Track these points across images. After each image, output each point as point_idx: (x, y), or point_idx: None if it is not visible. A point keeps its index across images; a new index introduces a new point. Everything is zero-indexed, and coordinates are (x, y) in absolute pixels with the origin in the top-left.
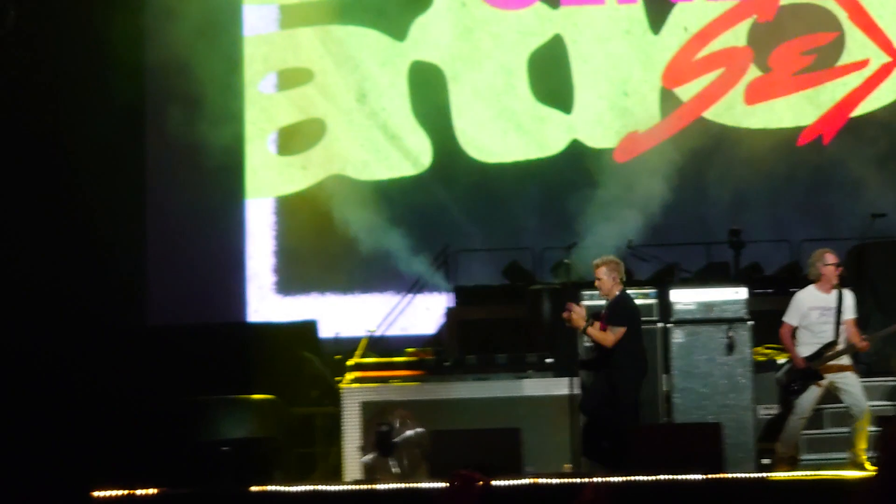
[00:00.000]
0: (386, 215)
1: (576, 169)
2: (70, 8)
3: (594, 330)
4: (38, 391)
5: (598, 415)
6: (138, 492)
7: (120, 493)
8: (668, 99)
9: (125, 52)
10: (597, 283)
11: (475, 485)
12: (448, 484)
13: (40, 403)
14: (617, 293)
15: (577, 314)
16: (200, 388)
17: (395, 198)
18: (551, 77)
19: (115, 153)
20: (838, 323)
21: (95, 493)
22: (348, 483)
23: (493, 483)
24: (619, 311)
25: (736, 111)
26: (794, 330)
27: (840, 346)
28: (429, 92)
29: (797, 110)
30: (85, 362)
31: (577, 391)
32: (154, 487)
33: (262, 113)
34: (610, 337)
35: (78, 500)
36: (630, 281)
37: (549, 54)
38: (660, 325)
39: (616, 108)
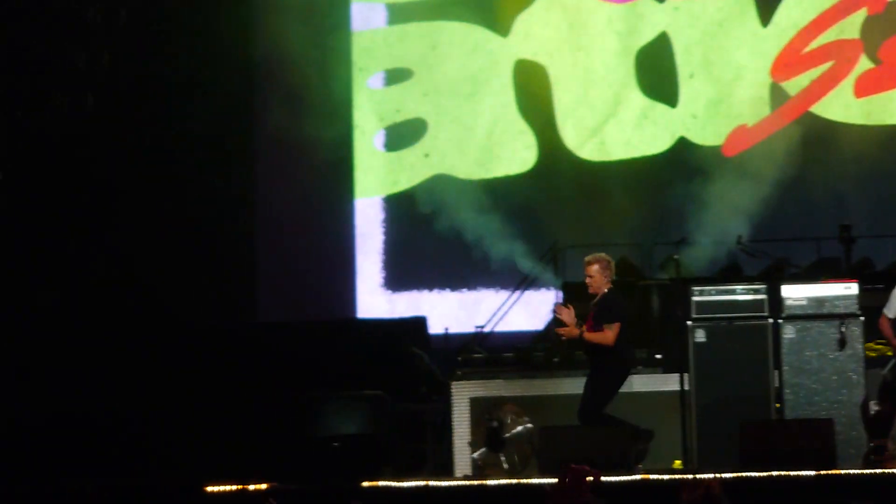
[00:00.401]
0: (494, 212)
1: (684, 164)
2: (179, 4)
3: (592, 334)
4: (151, 387)
5: None
6: (250, 487)
7: (232, 488)
8: (776, 93)
9: (233, 49)
10: (588, 279)
11: (586, 479)
12: (559, 478)
13: (153, 399)
14: (606, 291)
15: (569, 318)
16: (310, 385)
17: (503, 195)
18: (657, 71)
19: (225, 150)
20: None
21: (209, 489)
22: (458, 479)
23: (603, 479)
24: (612, 306)
25: (844, 105)
26: (891, 322)
27: None
28: (533, 89)
29: None
30: (197, 359)
31: (687, 387)
32: (265, 483)
33: (370, 110)
34: (610, 335)
35: (191, 495)
36: (740, 277)
37: (655, 48)
38: (770, 320)
39: (724, 102)
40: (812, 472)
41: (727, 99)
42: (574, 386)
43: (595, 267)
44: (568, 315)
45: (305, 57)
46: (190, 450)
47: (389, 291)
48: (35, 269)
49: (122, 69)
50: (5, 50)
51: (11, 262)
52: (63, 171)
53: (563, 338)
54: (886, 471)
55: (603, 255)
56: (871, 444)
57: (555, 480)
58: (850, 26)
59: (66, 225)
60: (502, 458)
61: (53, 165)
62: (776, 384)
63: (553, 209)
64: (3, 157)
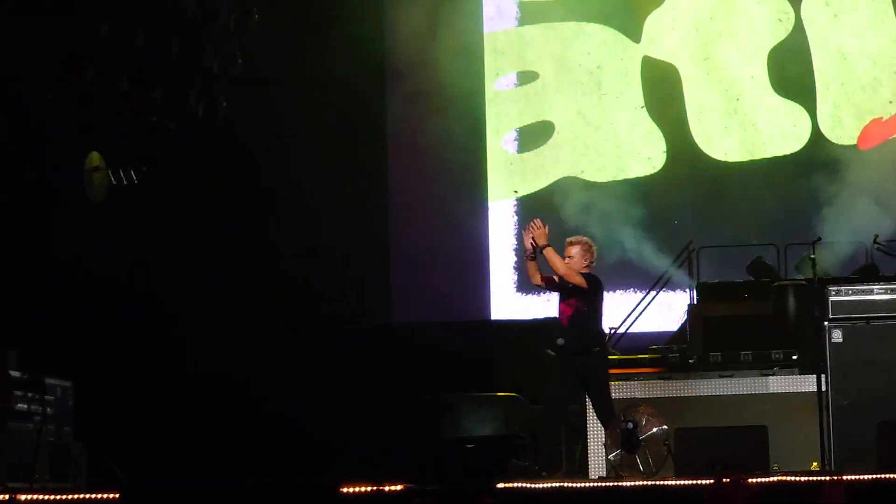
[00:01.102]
0: (626, 214)
1: (818, 162)
2: (311, 5)
3: (556, 255)
4: (287, 388)
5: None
6: (386, 488)
7: (368, 488)
8: None
9: (364, 51)
10: (567, 261)
11: (746, 485)
12: (716, 482)
13: (289, 400)
14: (584, 274)
15: (540, 228)
16: (445, 386)
17: (635, 196)
18: (790, 69)
19: (357, 152)
20: None
21: (344, 489)
22: (593, 480)
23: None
24: (589, 282)
25: None
26: None
27: None
28: (663, 89)
29: None
30: (332, 360)
31: (824, 388)
32: (401, 483)
33: (501, 112)
34: (572, 271)
35: (327, 495)
36: (877, 276)
37: (789, 45)
38: None
39: (858, 97)
40: None
41: (861, 94)
42: (710, 387)
43: (576, 248)
44: (540, 228)
45: (437, 58)
46: (326, 450)
47: (522, 292)
48: (173, 269)
49: (254, 71)
50: (141, 54)
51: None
52: (198, 173)
53: (530, 247)
54: None
55: (586, 238)
56: None
57: (711, 482)
58: None
59: (202, 226)
60: (637, 460)
61: (188, 168)
62: None
63: (686, 210)
64: (138, 160)
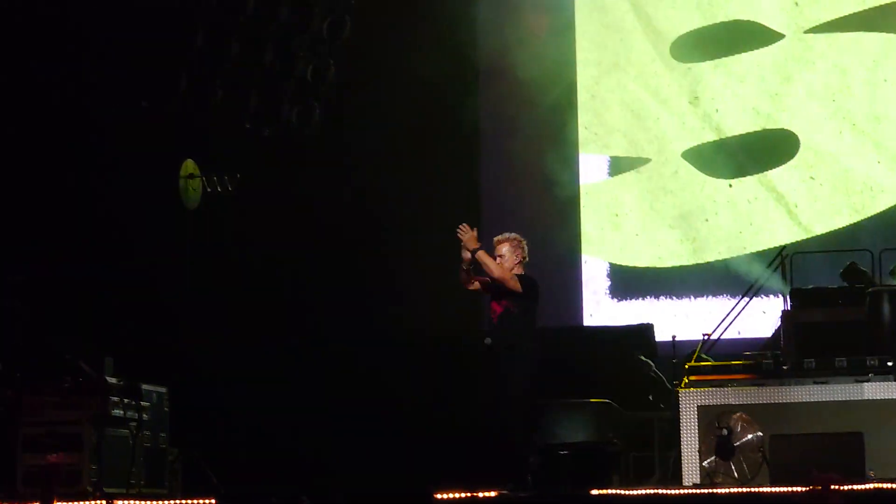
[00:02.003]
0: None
1: None
2: (403, 11)
3: (489, 258)
4: (382, 394)
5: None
6: (479, 495)
7: (462, 495)
8: None
9: (459, 56)
10: (498, 260)
11: (838, 492)
12: (809, 487)
13: (385, 407)
14: (519, 273)
15: (469, 233)
16: (538, 393)
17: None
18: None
19: (450, 156)
20: None
21: (438, 496)
22: (687, 487)
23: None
24: (524, 285)
25: None
26: None
27: None
28: (761, 92)
29: None
30: (426, 367)
31: None
32: (494, 490)
33: (595, 116)
34: (507, 274)
35: (421, 501)
36: None
37: (887, 49)
38: None
39: None
40: None
41: None
42: (804, 394)
43: (506, 246)
44: (469, 232)
45: (528, 58)
46: (420, 457)
47: (615, 299)
48: (265, 275)
49: (347, 78)
50: (236, 62)
51: (245, 268)
52: (292, 180)
53: (466, 254)
54: None
55: (515, 234)
56: None
57: (803, 489)
58: None
59: (296, 233)
60: (732, 467)
61: (283, 174)
62: None
63: (783, 214)
64: (234, 167)
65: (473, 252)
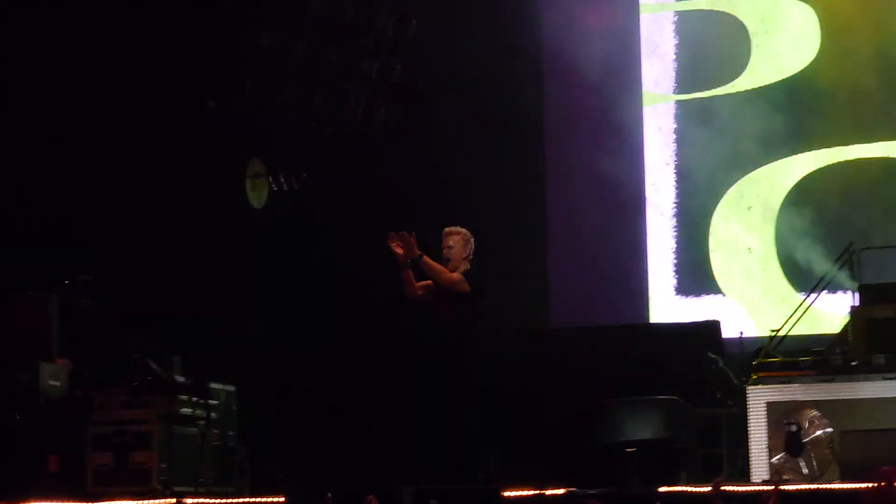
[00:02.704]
0: (787, 215)
1: None
2: (466, 7)
3: (433, 263)
4: (447, 393)
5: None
6: (547, 492)
7: (530, 492)
8: None
9: (522, 52)
10: (446, 251)
11: None
12: (875, 481)
13: (451, 405)
14: (467, 268)
15: (408, 240)
16: (605, 390)
17: (797, 197)
18: None
19: (515, 152)
20: None
21: (505, 493)
22: (756, 484)
23: None
24: (472, 284)
25: None
26: None
27: None
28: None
29: None
30: (492, 365)
31: None
32: (562, 488)
33: (661, 120)
34: (456, 277)
35: (490, 500)
36: None
37: None
38: None
39: None
40: None
41: None
42: (873, 390)
43: (455, 238)
44: (406, 240)
45: (593, 54)
46: (487, 455)
47: (682, 295)
48: (332, 272)
49: (411, 74)
50: (301, 61)
51: (314, 266)
52: (358, 178)
53: (400, 259)
54: None
55: (464, 229)
56: None
57: (869, 485)
58: None
59: (361, 231)
60: (801, 463)
61: (349, 173)
62: None
63: (848, 210)
64: (300, 166)
65: (418, 259)
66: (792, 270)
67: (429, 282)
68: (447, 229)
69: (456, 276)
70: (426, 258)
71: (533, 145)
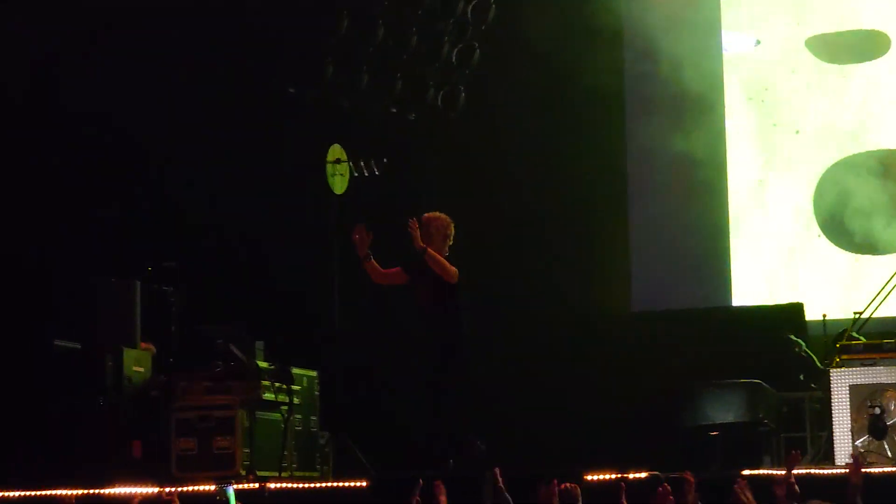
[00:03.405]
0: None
1: None
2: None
3: (435, 254)
4: (531, 377)
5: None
6: (630, 475)
7: (612, 476)
8: None
9: (604, 39)
10: (426, 238)
11: None
12: None
13: (535, 389)
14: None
15: (416, 230)
16: (687, 374)
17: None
18: None
19: (596, 136)
20: None
21: (588, 476)
22: (839, 467)
23: None
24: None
25: None
26: None
27: None
28: None
29: None
30: (576, 349)
31: None
32: (645, 471)
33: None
34: (453, 269)
35: (571, 482)
36: None
37: None
38: None
39: None
40: None
41: None
42: None
43: (436, 225)
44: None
45: (676, 50)
46: (571, 438)
47: (765, 277)
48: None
49: (492, 61)
50: (380, 46)
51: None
52: (435, 164)
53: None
54: None
55: (445, 215)
56: None
57: None
58: None
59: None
60: (885, 446)
61: (428, 158)
62: None
63: None
64: (380, 152)
65: (423, 251)
66: (878, 252)
67: (396, 269)
68: (426, 216)
69: (452, 269)
70: (430, 251)
71: (613, 127)
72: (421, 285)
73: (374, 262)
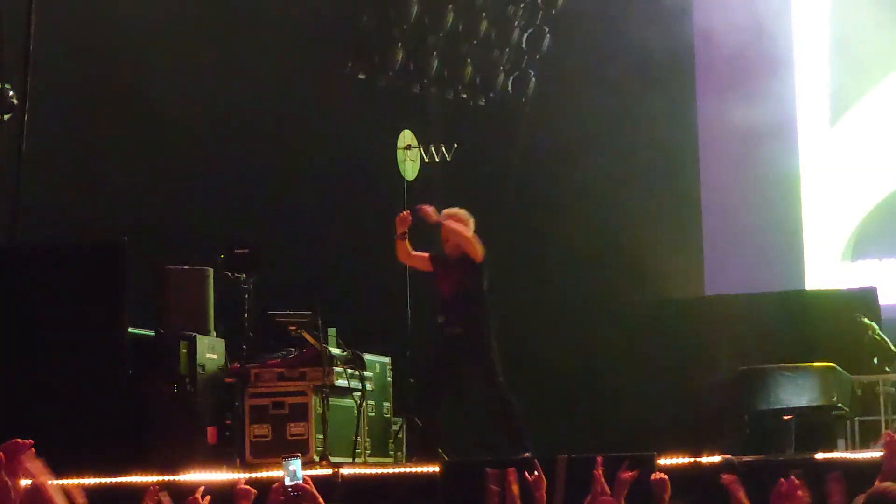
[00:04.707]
0: None
1: None
2: None
3: (452, 223)
4: (604, 362)
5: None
6: (703, 459)
7: (684, 460)
8: None
9: (675, 31)
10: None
11: None
12: None
13: (606, 374)
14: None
15: (427, 210)
16: (760, 357)
17: None
18: None
19: (666, 122)
20: None
21: (661, 460)
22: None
23: None
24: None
25: None
26: None
27: None
28: None
29: None
30: (644, 332)
31: None
32: (717, 455)
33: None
34: (473, 237)
35: (643, 467)
36: None
37: None
38: None
39: None
40: None
41: None
42: None
43: (455, 220)
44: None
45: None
46: (643, 423)
47: (839, 261)
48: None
49: (562, 46)
50: (450, 32)
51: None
52: (507, 150)
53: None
54: None
55: (463, 210)
56: None
57: None
58: None
59: (508, 201)
60: None
61: (500, 144)
62: None
63: None
64: (451, 137)
65: (441, 223)
66: None
67: (425, 254)
68: (446, 211)
69: (474, 237)
70: (448, 223)
71: (684, 113)
72: (443, 280)
73: (407, 243)
